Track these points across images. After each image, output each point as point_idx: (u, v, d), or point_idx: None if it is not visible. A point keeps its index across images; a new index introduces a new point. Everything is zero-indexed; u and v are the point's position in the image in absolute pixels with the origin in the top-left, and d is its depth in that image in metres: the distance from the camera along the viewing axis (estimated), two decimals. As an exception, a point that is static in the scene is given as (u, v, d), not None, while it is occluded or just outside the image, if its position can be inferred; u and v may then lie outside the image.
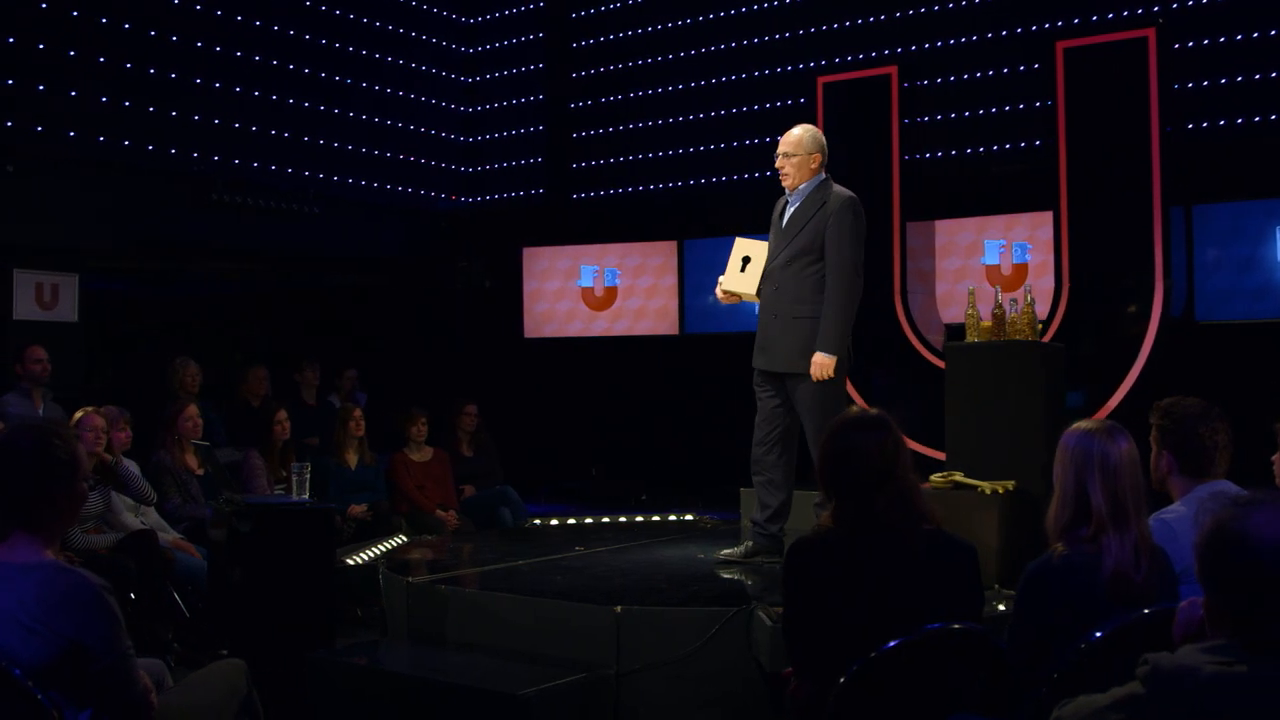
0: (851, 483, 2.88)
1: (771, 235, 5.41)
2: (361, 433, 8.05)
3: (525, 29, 11.25)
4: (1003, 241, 8.84)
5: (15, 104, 7.92)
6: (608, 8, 10.86)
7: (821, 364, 5.10)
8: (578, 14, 10.98)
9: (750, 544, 5.44)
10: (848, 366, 5.28)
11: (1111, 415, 7.85)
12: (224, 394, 8.76)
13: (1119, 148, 7.85)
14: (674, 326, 10.49)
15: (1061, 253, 8.06)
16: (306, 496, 5.22)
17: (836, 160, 9.08)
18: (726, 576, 5.38)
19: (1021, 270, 8.77)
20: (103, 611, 2.78)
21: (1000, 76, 8.90)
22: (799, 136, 5.29)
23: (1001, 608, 4.26)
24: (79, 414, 6.09)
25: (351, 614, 6.14)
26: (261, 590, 4.88)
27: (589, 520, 7.68)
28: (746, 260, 5.49)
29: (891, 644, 2.67)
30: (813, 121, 9.16)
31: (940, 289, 9.08)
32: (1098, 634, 2.77)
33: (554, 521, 7.72)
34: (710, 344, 10.19)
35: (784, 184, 5.34)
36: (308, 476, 5.28)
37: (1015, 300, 5.47)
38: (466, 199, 11.36)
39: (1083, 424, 3.08)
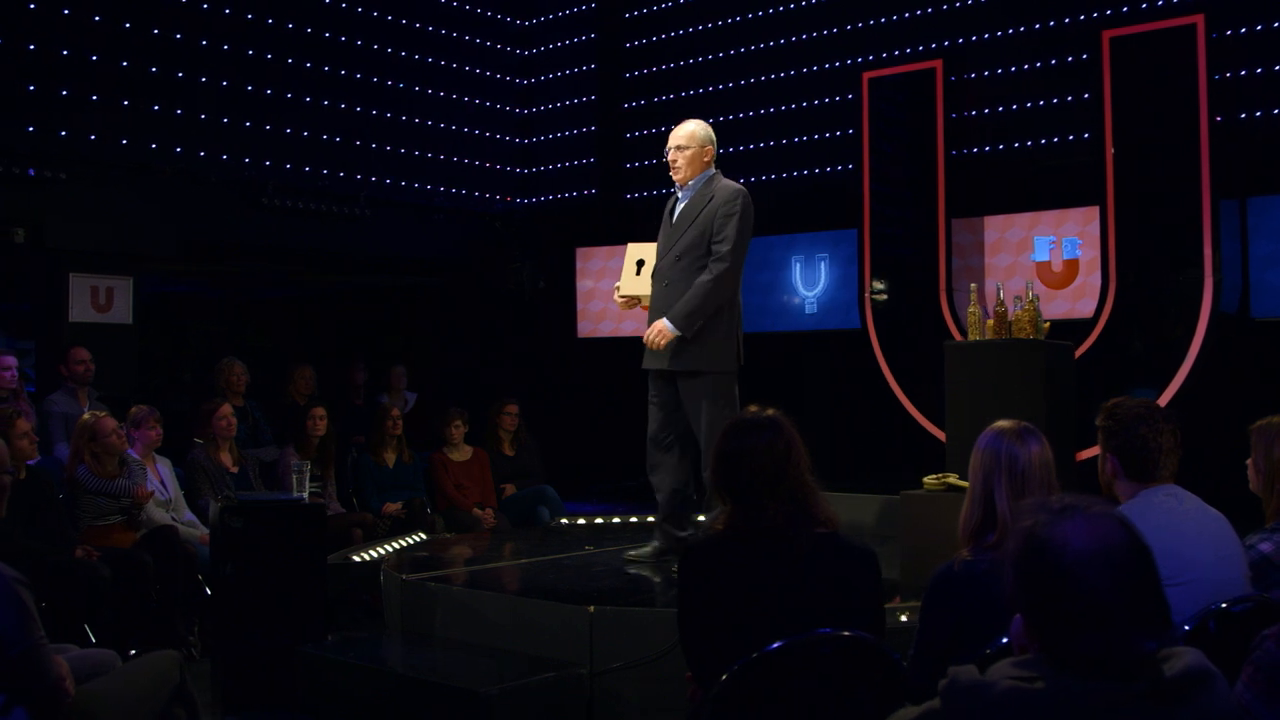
0: (741, 486, 2.82)
1: (660, 233, 5.33)
2: (399, 431, 8.18)
3: (578, 30, 11.29)
4: (1052, 237, 8.60)
5: (69, 112, 8.19)
6: (659, 7, 10.84)
7: (660, 331, 5.02)
8: (630, 14, 10.98)
9: (659, 544, 5.38)
10: (737, 367, 5.19)
11: (1159, 416, 7.58)
12: (273, 393, 8.96)
13: (1167, 139, 7.59)
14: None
15: (1109, 248, 7.84)
16: (304, 494, 5.31)
17: (882, 156, 9.07)
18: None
19: (1072, 266, 8.52)
20: (13, 602, 2.87)
21: (1047, 68, 8.66)
22: (691, 130, 5.23)
23: (904, 618, 4.15)
24: (86, 415, 6.30)
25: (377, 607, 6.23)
26: (251, 586, 4.98)
27: (616, 520, 7.68)
28: (641, 263, 5.42)
29: (769, 648, 2.61)
30: (859, 117, 9.08)
31: (990, 287, 8.86)
32: (1004, 640, 2.68)
33: (580, 520, 7.74)
34: (759, 343, 10.08)
35: (675, 178, 5.26)
36: (307, 475, 5.38)
37: (1019, 298, 5.32)
38: (521, 200, 11.44)
39: (999, 424, 2.99)
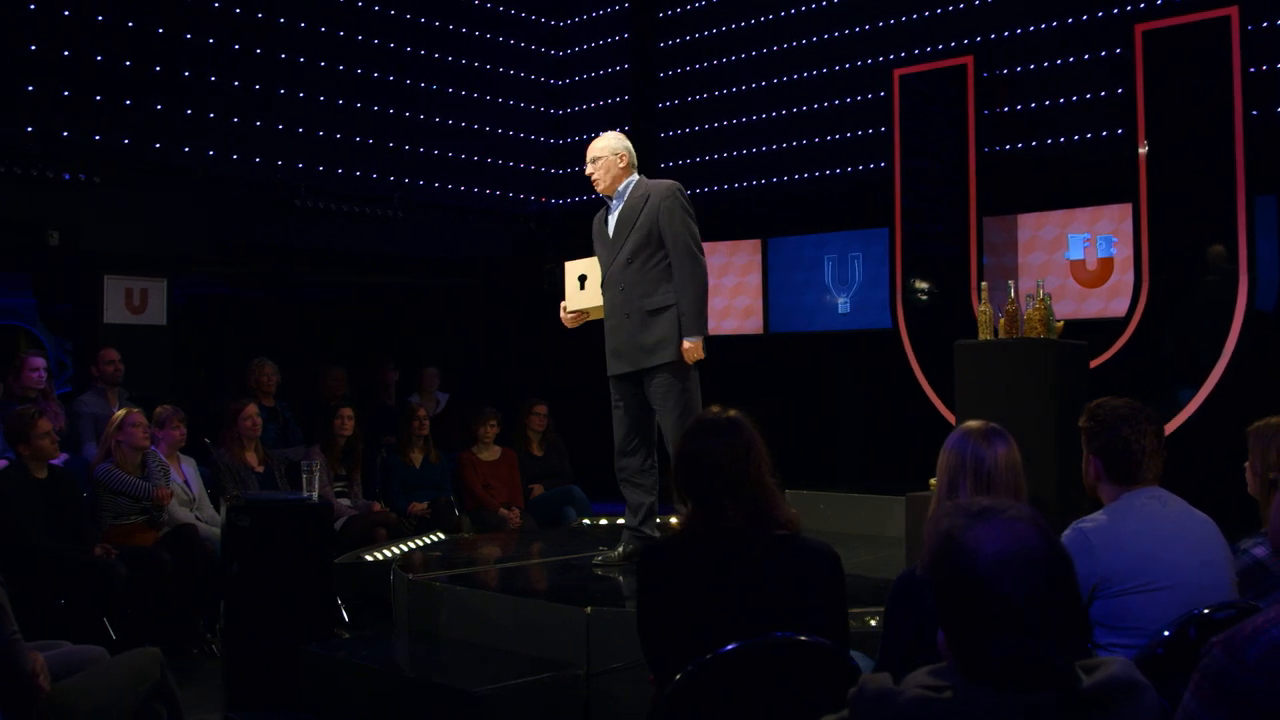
0: (701, 486, 2.79)
1: (598, 247, 5.38)
2: (425, 432, 8.21)
3: (611, 30, 11.29)
4: (1086, 235, 8.45)
5: (102, 116, 8.33)
6: (692, 7, 10.80)
7: (691, 349, 5.07)
8: (663, 14, 10.96)
9: (629, 547, 5.36)
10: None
11: (1194, 417, 7.45)
12: (307, 394, 9.04)
13: (1201, 134, 7.43)
14: (759, 325, 10.36)
15: (1141, 246, 7.69)
16: (314, 494, 5.33)
17: (913, 153, 8.96)
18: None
19: (1107, 264, 8.37)
20: (-16, 600, 2.91)
21: (1080, 63, 8.51)
22: (601, 142, 5.30)
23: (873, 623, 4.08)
24: (121, 412, 6.41)
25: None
26: (257, 584, 5.02)
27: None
28: (583, 278, 5.45)
29: (723, 650, 2.58)
30: (889, 115, 8.99)
31: (1025, 286, 8.73)
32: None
33: (603, 521, 7.74)
34: (791, 343, 10.06)
35: (598, 190, 5.31)
36: (316, 474, 5.40)
37: (1031, 296, 5.22)
38: (555, 201, 11.46)
39: (967, 424, 2.94)
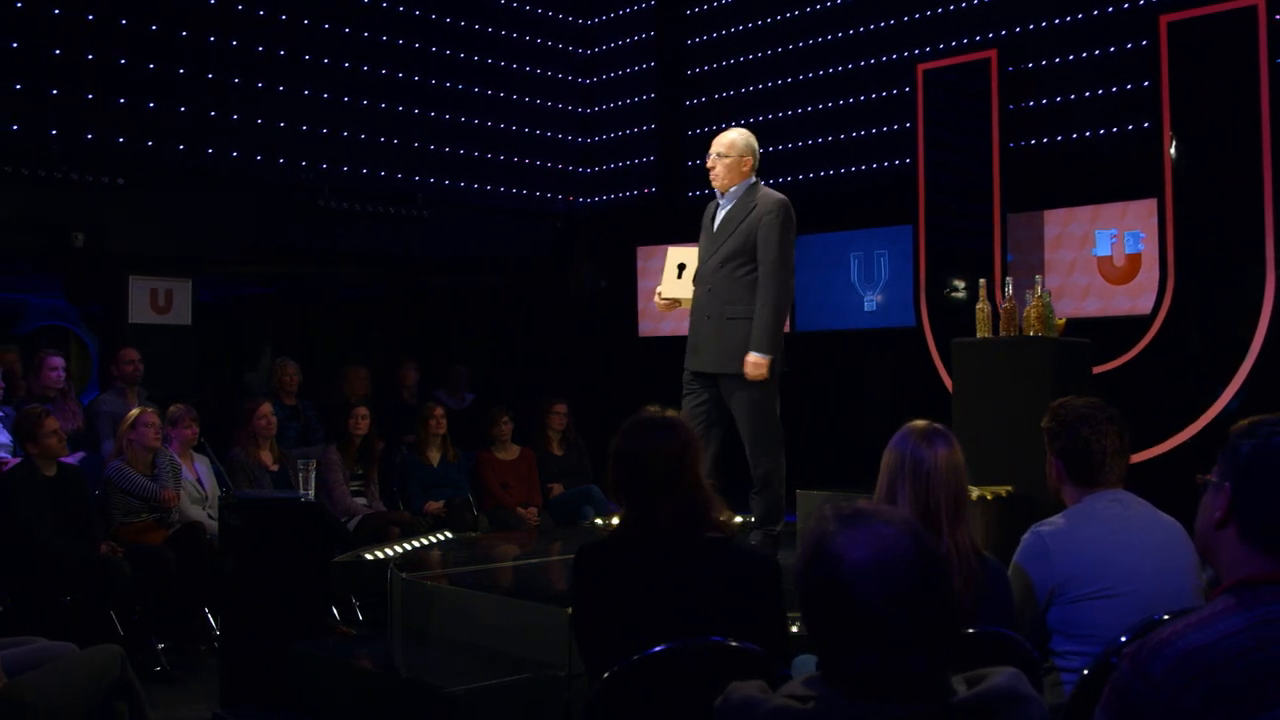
0: (635, 486, 2.77)
1: (702, 239, 5.38)
2: (442, 430, 8.23)
3: (638, 28, 11.25)
4: (1114, 231, 8.28)
5: (126, 119, 8.43)
6: (719, 4, 10.74)
7: (755, 363, 5.04)
8: (690, 10, 10.91)
9: None
10: (781, 368, 5.20)
11: (1218, 420, 7.26)
12: (330, 393, 9.09)
13: (1227, 126, 7.25)
14: (785, 324, 10.26)
15: (1166, 243, 7.51)
16: (311, 493, 5.35)
17: (937, 149, 8.83)
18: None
19: (1135, 261, 8.20)
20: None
21: (1106, 55, 8.35)
22: (732, 139, 5.27)
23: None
24: (135, 411, 6.48)
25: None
26: (251, 583, 5.04)
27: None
28: (682, 267, 5.48)
29: (649, 652, 2.55)
30: (914, 111, 8.86)
31: (1052, 283, 8.56)
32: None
33: (615, 520, 7.69)
34: (817, 341, 9.96)
35: (714, 185, 5.31)
36: (313, 473, 5.41)
37: (1030, 293, 5.11)
38: (582, 199, 11.44)
39: (911, 424, 2.88)
